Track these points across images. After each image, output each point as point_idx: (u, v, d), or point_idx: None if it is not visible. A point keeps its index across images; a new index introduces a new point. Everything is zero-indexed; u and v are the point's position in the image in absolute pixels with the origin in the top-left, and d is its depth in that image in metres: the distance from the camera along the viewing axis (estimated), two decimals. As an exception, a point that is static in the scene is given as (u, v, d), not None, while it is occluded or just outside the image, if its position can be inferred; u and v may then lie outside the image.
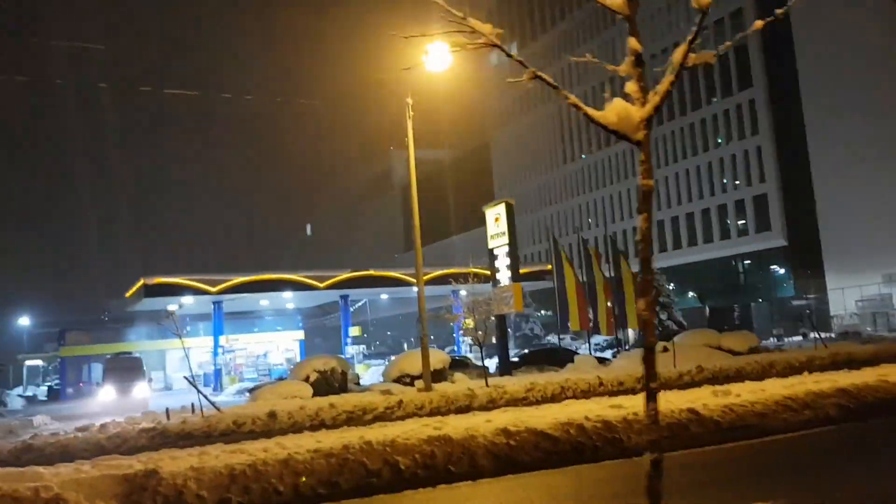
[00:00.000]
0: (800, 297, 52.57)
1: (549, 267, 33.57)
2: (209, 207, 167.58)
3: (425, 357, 20.71)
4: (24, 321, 63.26)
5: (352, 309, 56.31)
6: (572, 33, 76.16)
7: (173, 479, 7.04)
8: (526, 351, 37.41)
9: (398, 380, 24.31)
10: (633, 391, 20.34)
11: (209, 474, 7.30)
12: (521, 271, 47.55)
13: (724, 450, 10.21)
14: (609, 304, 30.99)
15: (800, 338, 40.90)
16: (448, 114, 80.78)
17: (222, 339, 39.93)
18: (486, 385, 20.98)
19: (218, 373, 39.40)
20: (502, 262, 27.24)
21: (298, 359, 51.42)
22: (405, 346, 65.92)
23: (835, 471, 8.62)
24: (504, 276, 27.17)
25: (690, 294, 63.78)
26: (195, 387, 17.80)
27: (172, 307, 43.15)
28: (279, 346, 50.31)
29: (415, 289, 40.26)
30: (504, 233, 27.04)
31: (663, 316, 47.96)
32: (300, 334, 51.86)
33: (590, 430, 9.94)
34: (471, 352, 43.93)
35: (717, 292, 60.76)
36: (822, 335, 38.79)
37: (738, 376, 21.72)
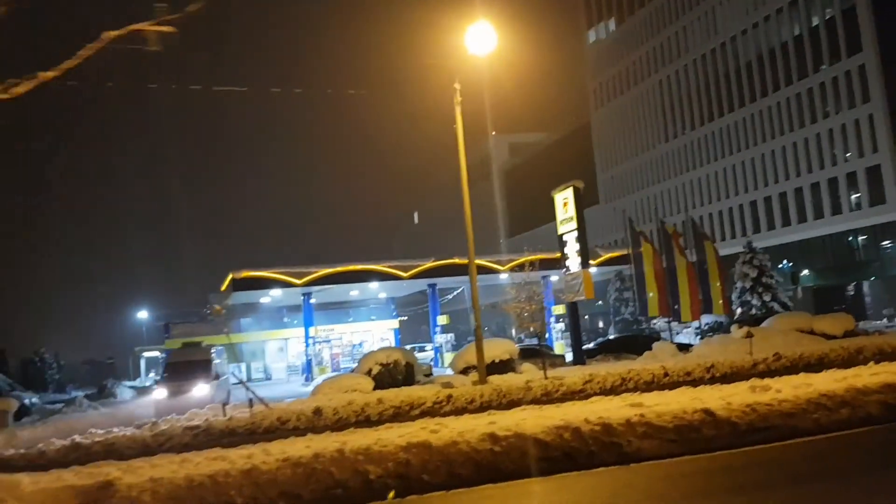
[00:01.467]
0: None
1: (628, 251, 32.35)
2: (315, 200, 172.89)
3: (479, 349, 20.46)
4: (143, 315, 67.36)
5: (449, 297, 56.72)
6: (670, 4, 73.01)
7: (129, 492, 7.18)
8: (611, 337, 36.41)
9: (464, 371, 24.13)
10: (702, 381, 19.45)
11: (167, 486, 7.40)
12: (608, 256, 46.58)
13: (736, 454, 9.47)
14: (690, 289, 29.61)
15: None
16: (547, 96, 79.48)
17: (312, 330, 41.02)
18: (545, 377, 20.52)
19: (309, 363, 40.57)
20: (571, 247, 26.55)
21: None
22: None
23: (845, 483, 7.81)
24: (574, 262, 26.48)
25: (805, 272, 60.20)
26: (242, 383, 18.24)
27: (264, 299, 44.98)
28: (375, 334, 51.31)
29: (502, 276, 40.15)
30: (572, 217, 26.33)
31: (767, 297, 45.62)
32: (395, 323, 52.63)
33: (586, 435, 9.44)
34: (562, 338, 43.33)
35: (830, 270, 57.14)
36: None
37: (821, 364, 20.31)
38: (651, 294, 29.44)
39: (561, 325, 43.75)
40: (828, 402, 10.64)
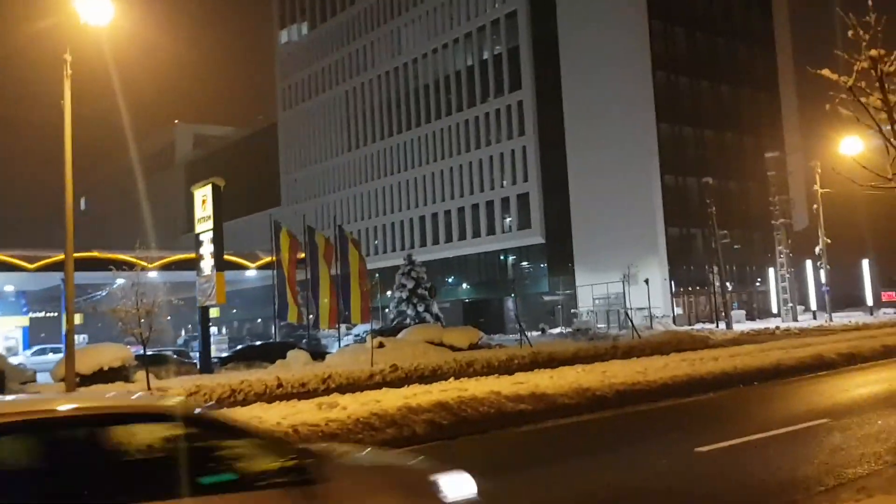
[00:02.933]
0: (553, 293, 54.62)
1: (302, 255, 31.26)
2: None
3: (70, 355, 17.98)
4: None
5: (101, 294, 51.15)
6: (361, 18, 74.45)
7: None
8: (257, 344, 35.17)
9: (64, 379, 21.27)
10: (317, 392, 18.99)
11: None
12: (269, 259, 45.37)
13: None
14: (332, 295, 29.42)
15: (538, 333, 41.99)
16: (238, 90, 76.30)
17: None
18: (149, 388, 18.67)
19: None
20: (206, 248, 24.91)
21: (21, 348, 45.93)
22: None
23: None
24: (207, 264, 24.84)
25: (464, 286, 64.65)
26: None
27: None
28: (-2, 332, 44.64)
29: (152, 273, 36.92)
30: (209, 217, 24.74)
31: (420, 308, 47.76)
32: (24, 320, 46.28)
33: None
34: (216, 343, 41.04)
35: (484, 285, 61.99)
36: (558, 330, 40.21)
37: (434, 375, 20.97)
38: (325, 300, 28.75)
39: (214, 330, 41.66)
40: (377, 421, 10.47)
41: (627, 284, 44.83)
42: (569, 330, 38.98)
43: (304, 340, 44.30)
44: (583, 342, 32.55)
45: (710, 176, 48.61)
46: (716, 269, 41.78)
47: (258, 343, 34.62)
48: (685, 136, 52.77)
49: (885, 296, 49.45)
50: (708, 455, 8.81)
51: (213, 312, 41.33)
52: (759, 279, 55.00)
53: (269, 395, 18.94)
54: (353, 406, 11.55)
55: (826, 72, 9.06)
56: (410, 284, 47.98)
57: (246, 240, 62.12)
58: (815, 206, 40.18)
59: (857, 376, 16.16)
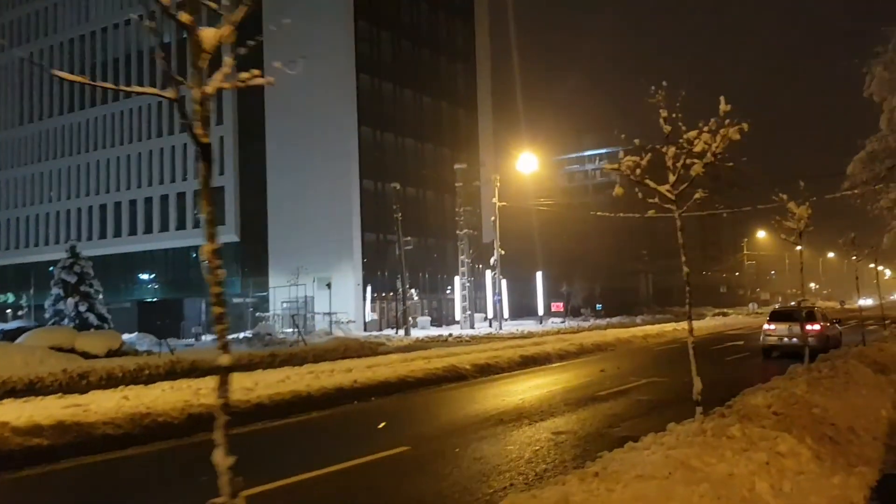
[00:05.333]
0: (245, 295, 51.57)
1: None
2: None
3: None
4: None
5: None
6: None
7: None
8: None
9: None
10: None
11: None
12: None
13: None
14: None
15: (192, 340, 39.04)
16: None
17: None
18: None
19: None
20: None
21: None
22: None
23: None
24: None
25: (149, 285, 59.01)
26: None
27: None
28: None
29: None
30: None
31: (83, 307, 42.29)
32: None
33: None
34: None
35: (171, 285, 57.05)
36: (241, 335, 37.51)
37: (29, 390, 17.46)
38: None
39: None
40: None
41: (316, 289, 43.35)
42: (246, 336, 36.39)
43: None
44: (258, 348, 30.42)
45: (409, 184, 49.07)
46: (400, 276, 41.78)
47: None
48: (386, 142, 52.72)
49: (554, 306, 53.54)
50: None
51: None
52: (448, 287, 56.74)
53: None
54: None
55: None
56: (73, 280, 42.36)
57: None
58: (492, 217, 41.80)
59: (479, 390, 15.70)
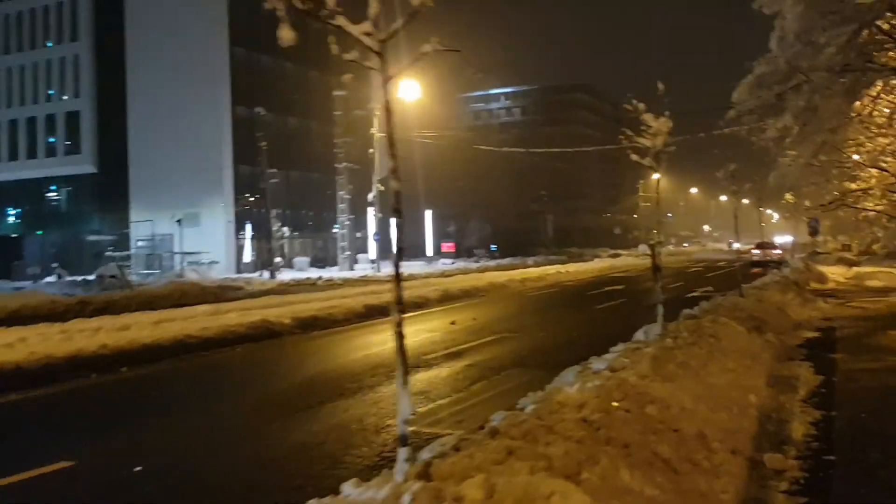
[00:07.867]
0: (103, 233, 46.53)
1: None
2: None
3: None
4: None
5: None
6: None
7: None
8: None
9: None
10: None
11: None
12: None
13: None
14: None
15: (54, 278, 34.33)
16: None
17: None
18: None
19: None
20: None
21: None
22: None
23: None
24: None
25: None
26: None
27: None
28: None
29: None
30: None
31: None
32: None
33: None
34: None
35: (19, 220, 51.32)
36: (79, 278, 33.15)
37: None
38: None
39: None
40: None
41: (180, 226, 39.09)
42: (86, 278, 32.00)
43: None
44: (95, 293, 26.49)
45: (291, 113, 44.79)
46: (274, 212, 38.01)
47: None
48: (263, 66, 47.71)
49: (444, 247, 50.87)
50: None
51: None
52: (336, 226, 53.18)
53: None
54: None
55: None
56: None
57: None
58: (370, 150, 38.33)
59: (276, 355, 12.67)
